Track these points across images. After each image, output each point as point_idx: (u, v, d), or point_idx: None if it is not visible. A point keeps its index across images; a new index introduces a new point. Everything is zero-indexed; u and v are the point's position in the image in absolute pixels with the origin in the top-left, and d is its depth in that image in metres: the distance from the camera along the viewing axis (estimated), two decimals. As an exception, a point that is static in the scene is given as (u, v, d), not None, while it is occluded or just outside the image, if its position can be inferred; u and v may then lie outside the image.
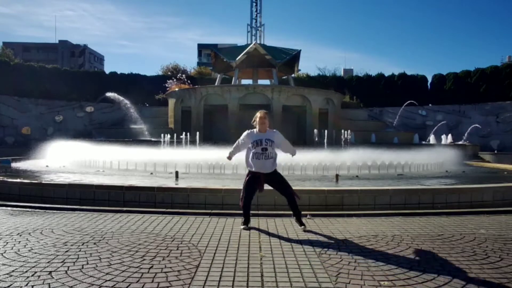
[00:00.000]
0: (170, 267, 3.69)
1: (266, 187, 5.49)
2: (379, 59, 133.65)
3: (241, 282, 3.35)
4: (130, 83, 33.22)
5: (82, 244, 4.42)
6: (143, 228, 5.23)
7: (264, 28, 30.55)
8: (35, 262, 3.79)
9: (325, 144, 19.24)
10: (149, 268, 3.66)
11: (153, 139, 22.25)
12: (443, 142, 27.28)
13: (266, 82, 32.15)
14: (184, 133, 19.32)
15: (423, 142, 27.81)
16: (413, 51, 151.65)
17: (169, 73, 38.45)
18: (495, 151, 26.76)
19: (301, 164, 12.18)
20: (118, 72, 36.31)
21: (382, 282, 3.36)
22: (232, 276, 3.47)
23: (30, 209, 6.47)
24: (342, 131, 20.00)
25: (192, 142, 18.94)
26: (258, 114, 5.42)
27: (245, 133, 5.49)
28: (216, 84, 29.74)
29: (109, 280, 3.34)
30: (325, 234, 5.04)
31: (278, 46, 29.80)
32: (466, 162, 18.47)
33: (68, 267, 3.66)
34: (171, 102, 27.03)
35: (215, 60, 30.63)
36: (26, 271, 3.53)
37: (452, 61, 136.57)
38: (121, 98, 28.46)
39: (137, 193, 7.19)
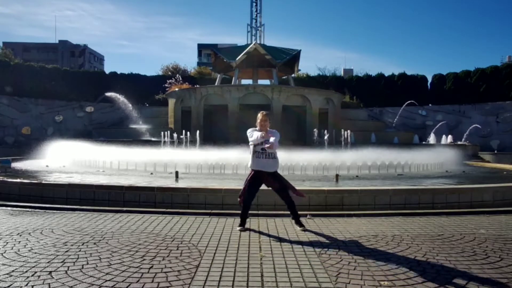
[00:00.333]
0: (170, 267, 3.69)
1: (263, 187, 5.49)
2: (379, 59, 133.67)
3: (241, 282, 3.35)
4: (130, 83, 33.22)
5: (82, 244, 4.42)
6: (143, 228, 5.23)
7: (264, 28, 30.55)
8: (35, 262, 3.79)
9: (325, 144, 19.24)
10: (149, 268, 3.66)
11: (153, 139, 22.26)
12: (443, 142, 27.28)
13: (266, 82, 32.15)
14: (184, 132, 19.31)
15: (423, 142, 27.83)
16: (413, 51, 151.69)
17: (169, 73, 38.47)
18: (495, 151, 26.77)
19: (301, 164, 12.19)
20: (118, 72, 36.31)
21: (382, 282, 3.36)
22: (232, 276, 3.48)
23: (30, 209, 6.47)
24: (342, 131, 19.99)
25: (192, 142, 18.95)
26: (259, 116, 5.45)
27: (250, 130, 5.51)
28: (216, 84, 29.74)
29: (109, 280, 3.34)
30: (325, 234, 5.04)
31: (278, 46, 29.81)
32: (466, 162, 18.47)
33: (68, 267, 3.66)
34: (171, 102, 27.03)
35: (215, 60, 30.64)
36: (26, 271, 3.53)
37: (452, 61, 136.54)
38: (121, 98, 28.47)
39: (137, 193, 7.19)
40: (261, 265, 3.78)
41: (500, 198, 7.59)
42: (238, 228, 5.27)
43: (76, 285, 3.25)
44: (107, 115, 32.55)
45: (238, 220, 5.41)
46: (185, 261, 3.87)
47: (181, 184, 9.31)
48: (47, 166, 13.89)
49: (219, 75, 31.30)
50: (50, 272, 3.53)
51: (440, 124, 30.50)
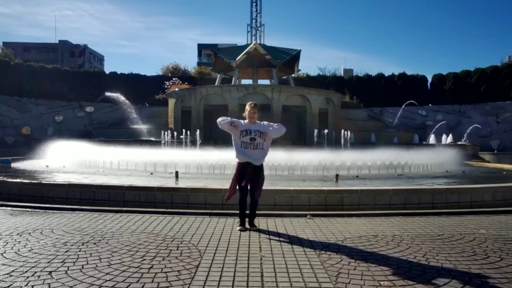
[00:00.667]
0: (170, 267, 3.69)
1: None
2: (379, 59, 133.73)
3: (241, 282, 3.35)
4: (130, 83, 33.21)
5: (82, 244, 4.42)
6: (143, 228, 5.23)
7: (264, 28, 30.57)
8: (35, 262, 3.79)
9: (325, 144, 19.24)
10: (149, 268, 3.66)
11: (153, 139, 22.27)
12: (443, 142, 27.28)
13: (266, 82, 32.16)
14: (184, 131, 19.32)
15: (423, 142, 27.83)
16: (413, 51, 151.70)
17: (169, 74, 38.45)
18: (495, 151, 26.77)
19: (301, 164, 12.19)
20: (118, 72, 36.31)
21: (382, 282, 3.36)
22: (232, 276, 3.47)
23: (30, 209, 6.47)
24: (342, 131, 19.99)
25: (192, 142, 18.95)
26: (247, 107, 5.39)
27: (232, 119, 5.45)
28: (216, 84, 29.74)
29: (109, 280, 3.34)
30: (325, 234, 5.04)
31: (278, 46, 29.82)
32: (466, 162, 18.47)
33: (68, 267, 3.66)
34: (171, 102, 27.03)
35: (215, 60, 30.64)
36: (26, 271, 3.53)
37: (452, 61, 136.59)
38: (121, 98, 28.48)
39: (137, 193, 7.19)
40: (261, 265, 3.78)
41: (500, 198, 7.59)
42: (238, 228, 5.24)
43: (76, 285, 3.24)
44: (107, 115, 32.54)
45: (238, 220, 5.41)
46: (185, 261, 3.87)
47: (181, 184, 9.32)
48: (47, 166, 13.88)
49: (219, 75, 31.31)
50: (50, 272, 3.53)
51: (440, 124, 30.49)
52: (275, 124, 5.50)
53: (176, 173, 10.61)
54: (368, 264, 3.84)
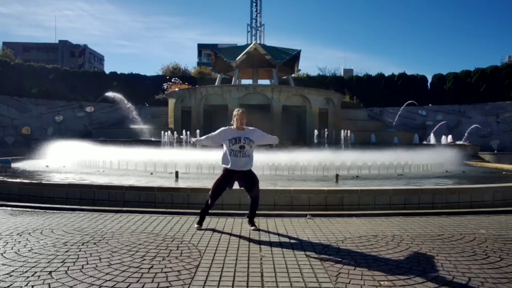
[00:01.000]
0: (170, 267, 3.69)
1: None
2: (379, 59, 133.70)
3: (241, 282, 3.35)
4: (130, 83, 33.22)
5: (82, 244, 4.42)
6: (143, 228, 5.23)
7: (264, 28, 30.54)
8: (35, 262, 3.79)
9: (325, 144, 19.23)
10: (149, 268, 3.66)
11: (153, 139, 22.25)
12: (443, 142, 27.26)
13: (266, 82, 32.14)
14: (184, 131, 19.31)
15: (423, 142, 27.82)
16: (413, 51, 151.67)
17: (169, 74, 38.43)
18: (495, 151, 26.77)
19: (301, 164, 12.18)
20: (118, 72, 36.28)
21: (382, 282, 3.36)
22: (232, 276, 3.48)
23: (30, 209, 6.47)
24: (342, 131, 19.98)
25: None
26: (235, 113, 5.38)
27: (221, 129, 5.43)
28: (216, 84, 29.73)
29: (109, 280, 3.34)
30: (325, 234, 5.04)
31: (278, 46, 29.80)
32: (466, 162, 18.46)
33: (68, 267, 3.66)
34: (171, 102, 27.02)
35: (215, 60, 30.63)
36: (26, 271, 3.53)
37: (452, 61, 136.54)
38: (121, 98, 28.47)
39: (137, 193, 7.19)
40: (261, 265, 3.78)
41: (500, 198, 7.59)
42: (196, 226, 5.22)
43: (76, 285, 3.25)
44: (107, 115, 32.54)
45: (238, 220, 5.41)
46: (185, 261, 3.87)
47: (181, 184, 9.31)
48: (47, 166, 13.88)
49: (219, 75, 31.29)
50: (50, 272, 3.53)
51: (440, 124, 30.49)
52: (270, 136, 5.57)
53: (176, 173, 10.61)
54: (368, 264, 3.84)
